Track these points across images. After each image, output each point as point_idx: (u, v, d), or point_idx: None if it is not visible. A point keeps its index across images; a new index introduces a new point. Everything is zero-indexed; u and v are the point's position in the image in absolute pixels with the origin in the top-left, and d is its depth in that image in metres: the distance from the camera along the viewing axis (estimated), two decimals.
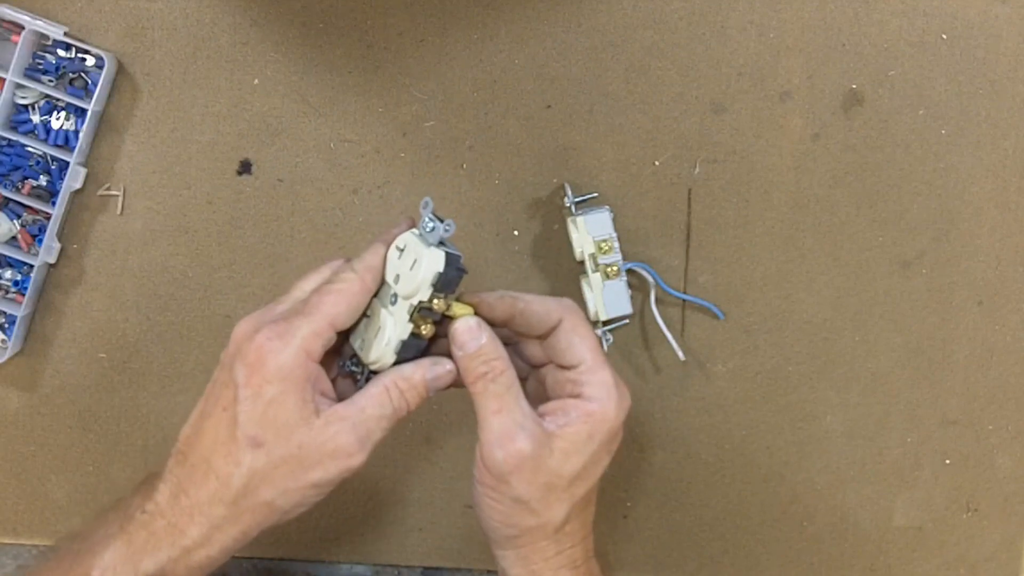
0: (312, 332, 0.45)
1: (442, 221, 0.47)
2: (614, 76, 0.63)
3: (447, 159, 0.63)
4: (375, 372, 0.48)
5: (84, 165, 0.62)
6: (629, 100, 0.63)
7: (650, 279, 0.63)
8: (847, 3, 0.63)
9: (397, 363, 0.48)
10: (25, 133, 0.62)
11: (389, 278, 0.48)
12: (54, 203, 0.61)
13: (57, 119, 0.61)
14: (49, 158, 0.62)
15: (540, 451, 0.45)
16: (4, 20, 0.60)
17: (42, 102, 0.61)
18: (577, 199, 0.61)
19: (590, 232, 0.60)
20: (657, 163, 0.64)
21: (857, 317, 0.65)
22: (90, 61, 0.61)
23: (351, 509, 0.65)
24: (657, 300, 0.63)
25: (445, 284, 0.47)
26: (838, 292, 0.65)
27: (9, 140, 0.61)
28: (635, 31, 0.63)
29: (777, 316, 0.65)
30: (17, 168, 0.62)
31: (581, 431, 0.46)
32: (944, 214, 0.65)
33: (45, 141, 0.61)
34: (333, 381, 0.48)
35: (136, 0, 0.61)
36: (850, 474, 0.67)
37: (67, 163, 0.61)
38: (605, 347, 0.62)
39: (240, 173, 0.63)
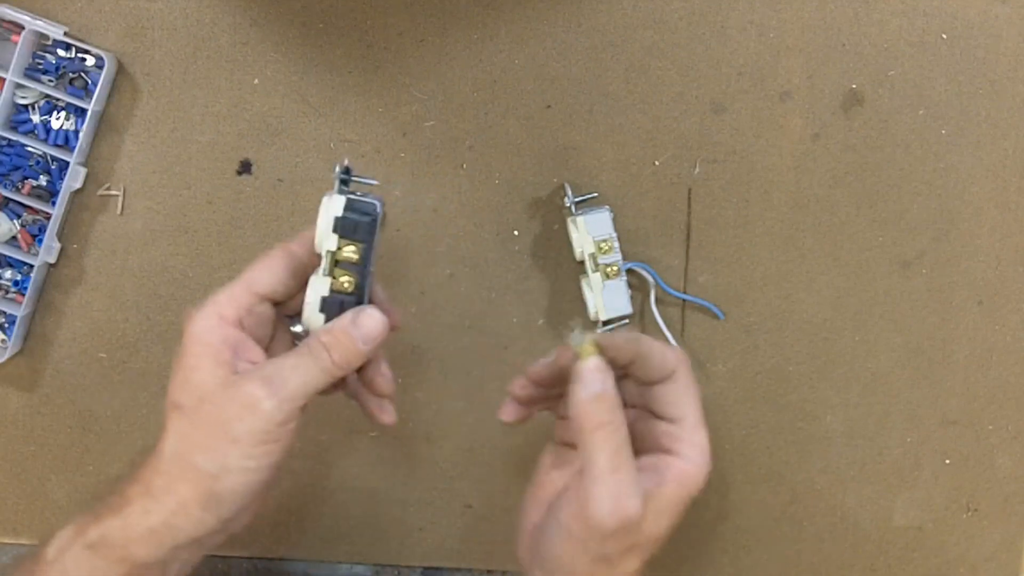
0: (226, 296, 0.45)
1: (351, 171, 0.46)
2: (614, 76, 0.63)
3: (447, 159, 0.63)
4: None
5: (84, 165, 0.62)
6: (629, 100, 0.63)
7: (650, 279, 0.63)
8: (847, 3, 0.63)
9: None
10: (25, 133, 0.62)
11: (316, 241, 0.47)
12: (54, 203, 0.61)
13: (57, 119, 0.61)
14: (49, 158, 0.62)
15: (630, 510, 0.42)
16: (4, 20, 0.60)
17: (42, 102, 0.61)
18: (577, 199, 0.61)
19: (590, 232, 0.60)
20: (657, 163, 0.64)
21: (857, 317, 0.65)
22: (90, 61, 0.61)
23: (351, 509, 0.65)
24: (657, 300, 0.63)
25: (351, 230, 0.45)
26: (838, 292, 0.65)
27: (9, 140, 0.61)
28: (635, 31, 0.63)
29: (777, 316, 0.65)
30: (17, 168, 0.62)
31: (675, 494, 0.44)
32: (944, 214, 0.65)
33: (45, 141, 0.61)
34: None
35: (136, 0, 0.61)
36: (850, 474, 0.67)
37: (67, 163, 0.61)
38: None
39: (240, 173, 0.63)
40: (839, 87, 0.64)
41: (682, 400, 0.46)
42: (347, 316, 0.46)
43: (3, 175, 0.62)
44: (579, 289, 0.63)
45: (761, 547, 0.67)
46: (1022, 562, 0.68)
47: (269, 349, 0.48)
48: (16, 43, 0.60)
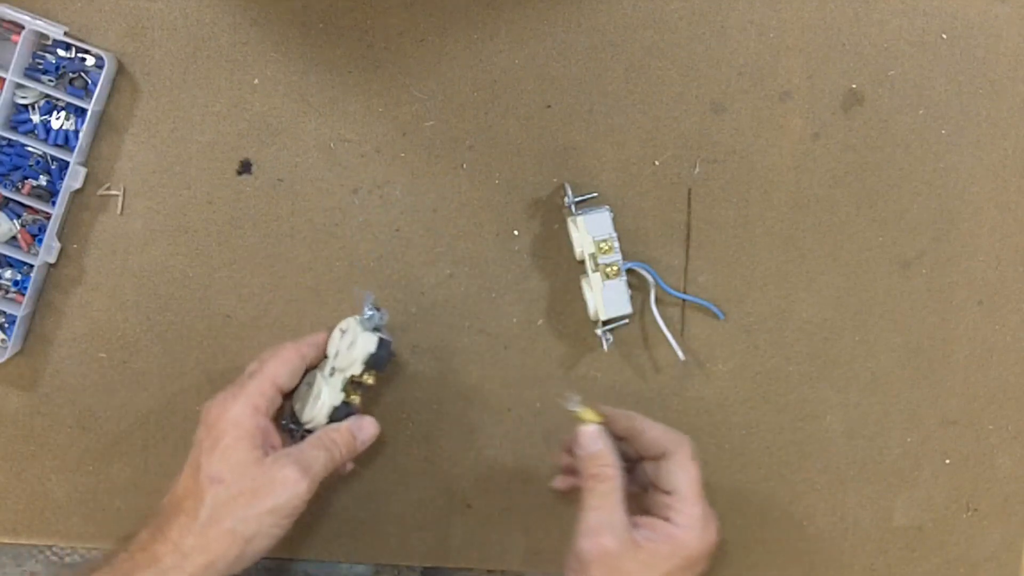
0: (257, 390, 0.54)
1: (379, 311, 0.57)
2: (614, 76, 0.63)
3: (447, 159, 0.63)
4: (309, 432, 0.57)
5: (84, 165, 0.62)
6: (629, 100, 0.63)
7: (650, 279, 0.63)
8: (847, 3, 0.63)
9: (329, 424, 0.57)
10: (25, 133, 0.62)
11: (330, 353, 0.58)
12: (54, 203, 0.61)
13: (57, 119, 0.61)
14: (49, 158, 0.62)
15: (623, 552, 0.51)
16: (4, 20, 0.60)
17: (42, 102, 0.61)
18: (577, 199, 0.61)
19: (590, 232, 0.60)
20: (657, 163, 0.64)
21: (857, 317, 0.65)
22: (90, 61, 0.61)
23: (351, 509, 0.65)
24: (657, 300, 0.63)
25: (375, 363, 0.56)
26: (838, 292, 0.65)
27: (9, 140, 0.61)
28: (635, 31, 0.63)
29: (777, 316, 0.65)
30: (17, 168, 0.62)
31: (662, 548, 0.52)
32: (944, 214, 0.65)
33: (45, 141, 0.61)
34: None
35: (136, 0, 0.61)
36: (850, 474, 0.67)
37: (67, 163, 0.61)
38: (605, 347, 0.62)
39: (240, 173, 0.63)
40: (839, 87, 0.64)
41: (676, 477, 0.53)
42: (352, 421, 0.57)
43: (3, 175, 0.62)
44: (579, 289, 0.63)
45: (761, 547, 0.67)
46: (1022, 562, 0.68)
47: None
48: (16, 43, 0.60)
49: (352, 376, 0.56)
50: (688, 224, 0.64)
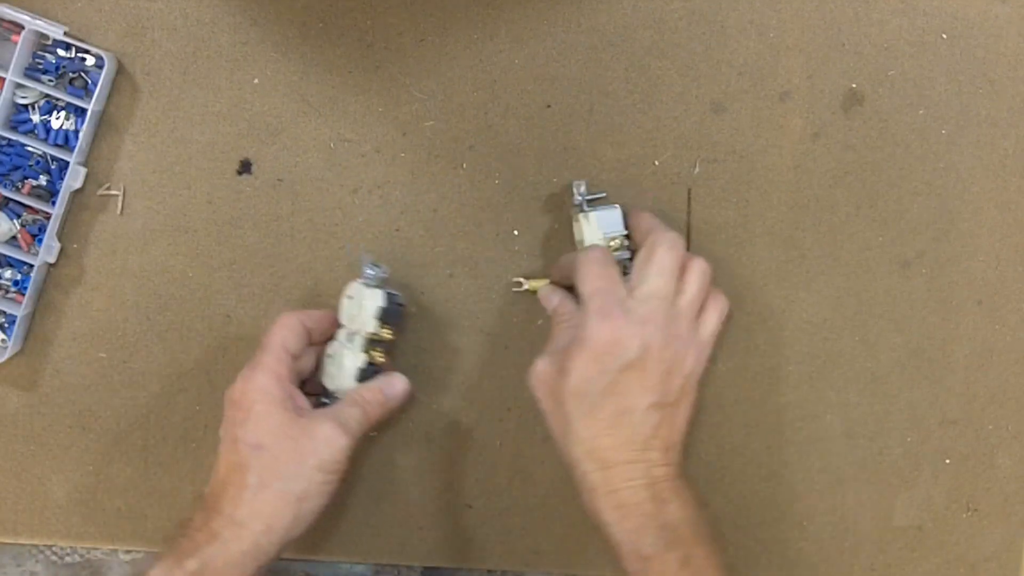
0: (273, 358, 0.56)
1: (378, 267, 0.58)
2: (614, 76, 0.63)
3: (447, 159, 0.63)
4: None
5: (84, 165, 0.62)
6: (629, 100, 0.63)
7: None
8: (847, 3, 0.63)
9: None
10: (25, 133, 0.62)
11: (344, 320, 0.59)
12: (54, 203, 0.61)
13: (57, 119, 0.61)
14: (49, 158, 0.62)
15: (552, 371, 0.56)
16: (4, 20, 0.60)
17: (42, 102, 0.61)
18: (588, 196, 0.61)
19: (601, 228, 0.60)
20: (657, 163, 0.64)
21: (857, 317, 0.65)
22: (90, 61, 0.61)
23: (351, 509, 0.65)
24: None
25: (388, 317, 0.58)
26: (838, 292, 0.65)
27: (9, 140, 0.61)
28: (635, 31, 0.63)
29: (777, 316, 0.65)
30: (17, 168, 0.62)
31: (569, 351, 0.55)
32: (944, 214, 0.65)
33: (45, 141, 0.61)
34: None
35: (136, 0, 0.61)
36: (850, 474, 0.66)
37: (67, 163, 0.61)
38: None
39: (240, 173, 0.63)
40: (839, 87, 0.64)
41: (577, 283, 0.57)
42: (380, 380, 0.59)
43: (3, 175, 0.62)
44: None
45: (761, 547, 0.67)
46: (1022, 562, 0.68)
47: None
48: (16, 43, 0.60)
49: (369, 335, 0.58)
50: (688, 224, 0.64)
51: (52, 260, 0.62)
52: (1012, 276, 0.66)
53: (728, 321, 0.62)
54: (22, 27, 0.59)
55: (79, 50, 0.61)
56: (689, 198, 0.64)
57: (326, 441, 0.54)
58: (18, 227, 0.63)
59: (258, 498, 0.53)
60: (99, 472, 0.65)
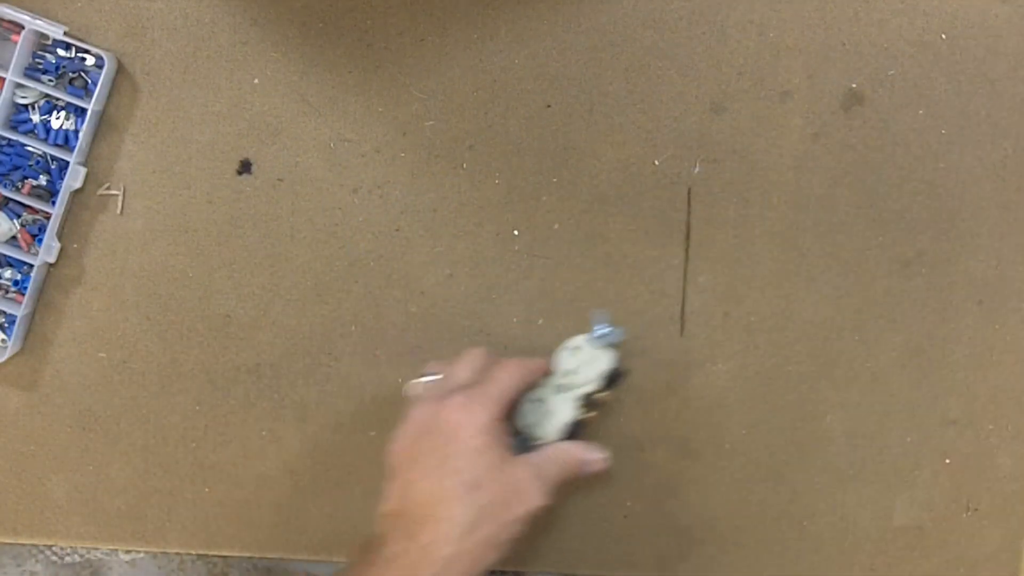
0: (497, 398, 0.54)
1: (614, 328, 0.57)
2: (614, 76, 0.63)
3: (447, 159, 0.63)
4: (535, 447, 0.56)
5: (84, 165, 0.62)
6: (629, 100, 0.63)
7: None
8: (847, 3, 0.63)
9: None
10: (25, 133, 0.62)
11: (558, 370, 0.58)
12: (54, 203, 0.61)
13: (57, 119, 0.61)
14: (49, 158, 0.62)
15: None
16: (4, 20, 0.60)
17: (42, 102, 0.61)
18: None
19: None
20: (657, 162, 0.64)
21: (857, 317, 0.65)
22: (90, 61, 0.61)
23: (351, 509, 0.65)
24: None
25: (614, 380, 0.57)
26: (838, 292, 0.65)
27: (9, 140, 0.61)
28: (635, 31, 0.63)
29: (777, 316, 0.65)
30: (17, 168, 0.62)
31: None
32: (944, 214, 0.65)
33: (45, 141, 0.61)
34: None
35: (136, 0, 0.61)
36: (850, 474, 0.67)
37: (67, 163, 0.61)
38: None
39: (240, 173, 0.63)
40: (839, 87, 0.64)
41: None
42: (582, 445, 0.57)
43: (3, 175, 0.62)
44: (579, 289, 0.63)
45: (761, 547, 0.67)
46: (1022, 562, 0.68)
47: None
48: (16, 43, 0.60)
49: (586, 393, 0.57)
50: (688, 224, 0.64)
51: (52, 260, 0.62)
52: (1012, 276, 0.66)
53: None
54: (22, 27, 0.59)
55: (79, 50, 0.61)
56: (689, 198, 0.64)
57: (530, 494, 0.52)
58: (18, 227, 0.63)
59: (466, 540, 0.51)
60: (99, 472, 0.65)
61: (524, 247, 0.64)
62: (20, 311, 0.61)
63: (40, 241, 0.61)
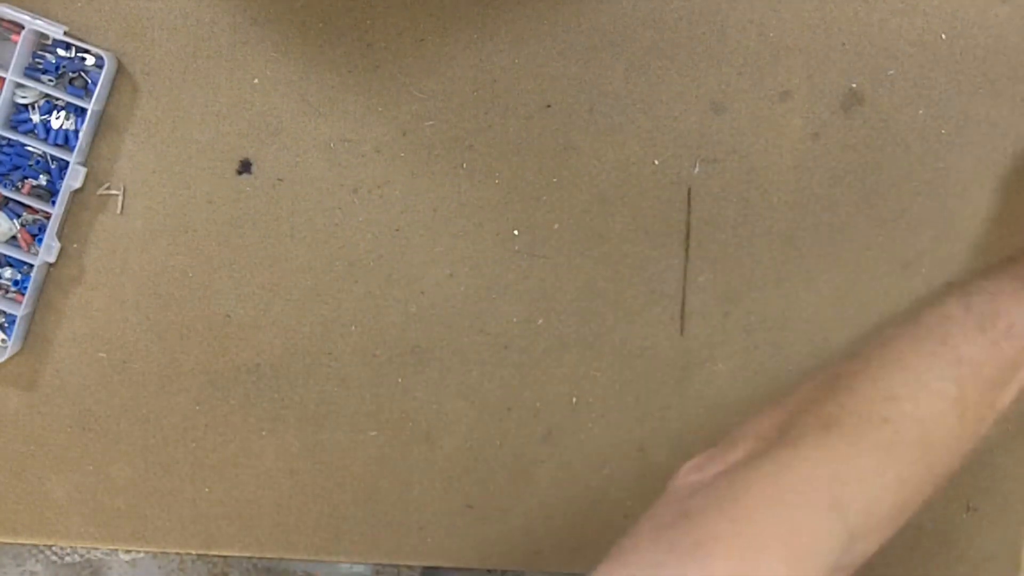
0: None
1: None
2: (614, 76, 0.63)
3: (447, 159, 0.63)
4: None
5: (84, 164, 0.62)
6: (629, 100, 0.63)
7: None
8: (847, 2, 0.63)
9: None
10: (25, 132, 0.62)
11: None
12: (54, 202, 0.61)
13: (57, 118, 0.61)
14: (49, 157, 0.62)
15: None
16: (4, 20, 0.60)
17: (42, 101, 0.61)
18: None
19: None
20: (657, 162, 0.64)
21: (857, 317, 0.65)
22: (90, 60, 0.61)
23: (351, 509, 0.65)
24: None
25: None
26: (838, 292, 0.65)
27: (9, 140, 0.61)
28: (635, 31, 0.63)
29: (777, 316, 0.65)
30: (17, 167, 0.62)
31: None
32: (944, 214, 0.65)
33: (45, 140, 0.61)
34: None
35: (136, 0, 0.61)
36: None
37: (67, 162, 0.61)
38: None
39: (240, 173, 0.63)
40: (839, 87, 0.64)
41: None
42: None
43: (3, 175, 0.62)
44: (579, 288, 0.63)
45: None
46: (1022, 562, 0.68)
47: None
48: (16, 43, 0.60)
49: None
50: (688, 224, 0.64)
51: (52, 260, 0.62)
52: None
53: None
54: (22, 27, 0.59)
55: (79, 50, 0.61)
56: (689, 198, 0.64)
57: None
58: (18, 227, 0.63)
59: None
60: (99, 472, 0.65)
61: (524, 247, 0.64)
62: (20, 311, 0.61)
63: (40, 241, 0.61)
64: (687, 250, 0.64)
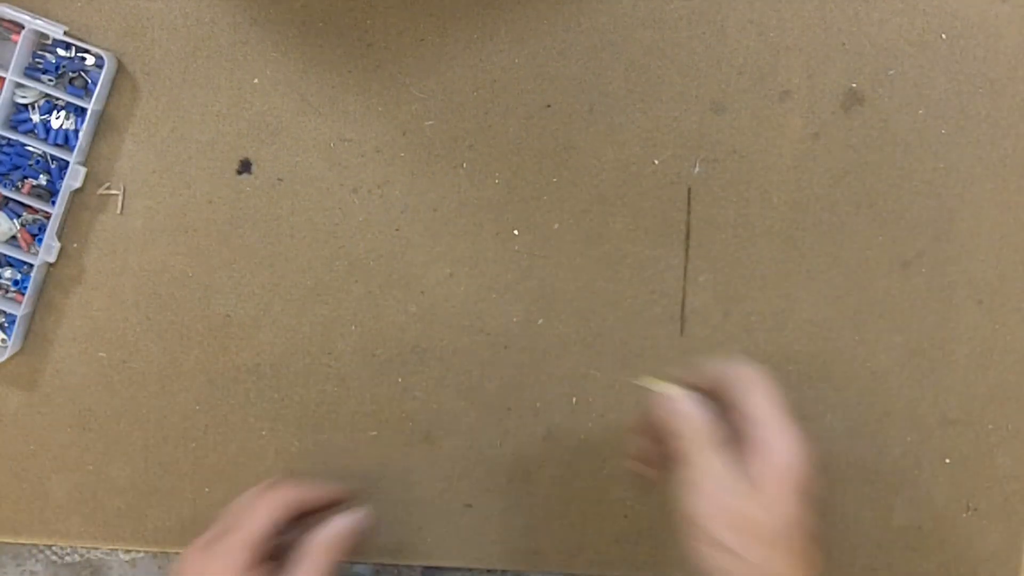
0: (242, 545, 0.50)
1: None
2: (614, 76, 0.63)
3: (447, 159, 0.63)
4: None
5: (84, 164, 0.62)
6: (629, 100, 0.63)
7: None
8: (847, 2, 0.63)
9: None
10: (25, 132, 0.62)
11: None
12: (54, 202, 0.61)
13: (57, 118, 0.61)
14: (49, 157, 0.62)
15: (737, 498, 0.47)
16: (4, 19, 0.60)
17: (42, 101, 0.62)
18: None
19: None
20: (657, 162, 0.64)
21: (857, 317, 0.65)
22: (90, 60, 0.61)
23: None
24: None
25: None
26: (838, 292, 0.65)
27: (9, 139, 0.61)
28: (635, 31, 0.63)
29: (777, 316, 0.65)
30: (17, 167, 0.62)
31: (770, 477, 0.48)
32: (944, 214, 0.65)
33: (45, 140, 0.61)
34: None
35: (136, 0, 0.61)
36: (850, 474, 0.66)
37: (67, 162, 0.61)
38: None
39: (240, 172, 0.63)
40: (839, 87, 0.64)
41: (756, 407, 0.50)
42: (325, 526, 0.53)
43: (3, 174, 0.62)
44: (579, 289, 0.63)
45: None
46: (1022, 562, 0.68)
47: None
48: (16, 42, 0.60)
49: None
50: (688, 224, 0.64)
51: (52, 260, 0.62)
52: (1012, 276, 0.66)
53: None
54: (22, 27, 0.59)
55: (79, 50, 0.61)
56: (689, 198, 0.64)
57: None
58: (18, 227, 0.63)
59: None
60: (99, 472, 0.65)
61: (524, 247, 0.64)
62: (20, 311, 0.61)
63: (40, 241, 0.61)
64: (687, 250, 0.64)
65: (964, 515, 0.67)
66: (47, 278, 0.63)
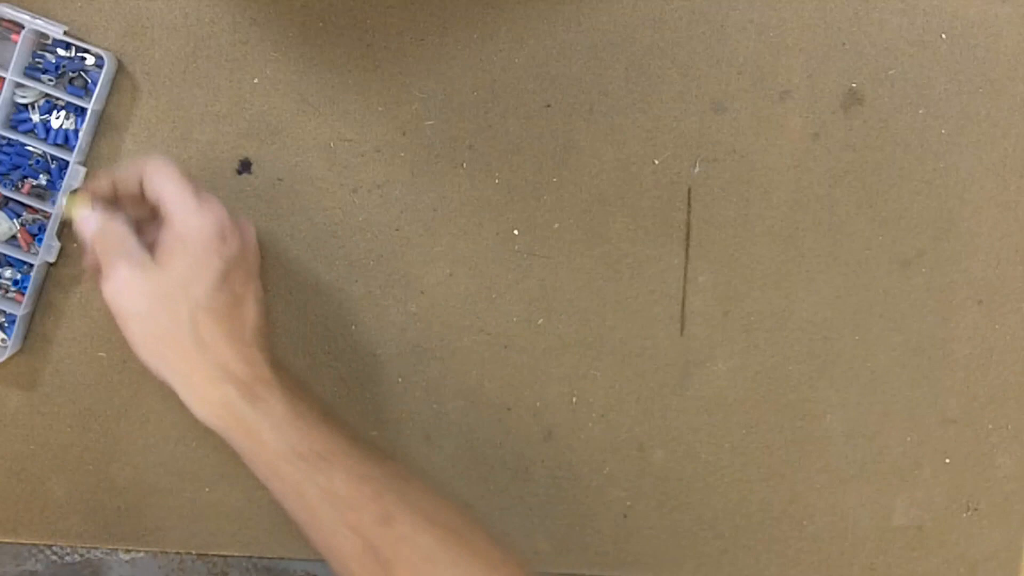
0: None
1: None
2: (614, 76, 0.63)
3: (447, 159, 0.63)
4: None
5: (84, 164, 0.62)
6: (629, 99, 0.63)
7: None
8: (847, 2, 0.63)
9: None
10: (25, 132, 0.61)
11: None
12: (54, 202, 0.61)
13: (57, 118, 0.61)
14: (49, 157, 0.62)
15: (141, 272, 0.53)
16: (4, 19, 0.60)
17: (42, 101, 0.61)
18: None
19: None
20: (657, 162, 0.64)
21: (857, 317, 0.65)
22: (90, 60, 0.61)
23: None
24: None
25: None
26: (838, 292, 0.65)
27: (9, 139, 0.61)
28: (635, 31, 0.63)
29: (777, 316, 0.65)
30: (17, 167, 0.62)
31: (173, 244, 0.53)
32: (944, 214, 0.65)
33: (45, 140, 0.61)
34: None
35: (136, 0, 0.61)
36: (850, 474, 0.67)
37: (67, 162, 0.61)
38: None
39: (240, 172, 0.63)
40: (839, 87, 0.64)
41: (156, 186, 0.54)
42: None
43: (3, 174, 0.62)
44: (579, 289, 0.63)
45: (761, 547, 0.67)
46: (1022, 562, 0.68)
47: None
48: (16, 42, 0.60)
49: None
50: (688, 224, 0.64)
51: (52, 259, 0.62)
52: (1012, 276, 0.66)
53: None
54: (22, 26, 0.59)
55: (79, 49, 0.61)
56: (689, 198, 0.64)
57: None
58: (18, 226, 0.63)
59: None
60: (99, 472, 0.65)
61: (524, 247, 0.64)
62: (20, 311, 0.61)
63: (40, 240, 0.61)
64: (687, 250, 0.64)
65: (964, 515, 0.67)
66: (47, 278, 0.63)
